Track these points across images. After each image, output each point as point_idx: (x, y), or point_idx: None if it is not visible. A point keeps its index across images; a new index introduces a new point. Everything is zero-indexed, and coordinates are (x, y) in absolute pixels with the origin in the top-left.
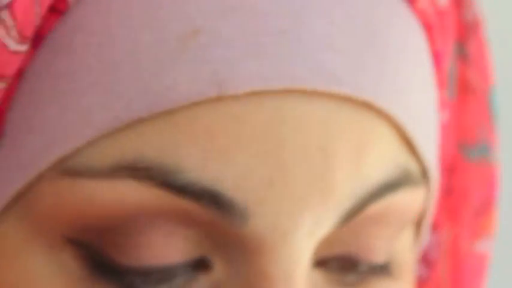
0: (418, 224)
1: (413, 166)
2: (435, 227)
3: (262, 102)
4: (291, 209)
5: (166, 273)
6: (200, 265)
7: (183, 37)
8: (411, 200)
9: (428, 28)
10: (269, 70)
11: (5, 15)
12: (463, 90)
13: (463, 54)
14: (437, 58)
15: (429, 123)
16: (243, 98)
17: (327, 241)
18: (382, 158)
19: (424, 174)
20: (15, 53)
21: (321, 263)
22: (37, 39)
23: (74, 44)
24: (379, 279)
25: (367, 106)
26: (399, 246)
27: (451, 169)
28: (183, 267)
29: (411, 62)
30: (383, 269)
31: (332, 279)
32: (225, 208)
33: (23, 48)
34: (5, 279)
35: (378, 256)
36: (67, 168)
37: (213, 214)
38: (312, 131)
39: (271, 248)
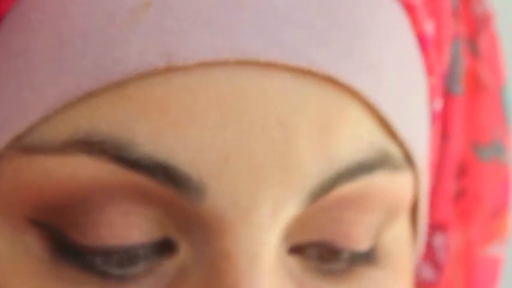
0: (413, 216)
1: (392, 149)
2: (444, 228)
3: (214, 74)
4: (250, 185)
5: (128, 254)
6: (164, 248)
7: (134, 10)
8: (393, 185)
9: (410, 9)
10: (221, 41)
11: None
12: (474, 87)
13: (473, 50)
14: (422, 41)
15: (412, 107)
16: (194, 69)
17: (301, 225)
18: (353, 136)
19: (408, 159)
20: None
21: (297, 249)
22: None
23: (30, 22)
24: (364, 268)
25: (331, 81)
26: (390, 235)
27: (463, 170)
28: (147, 250)
29: (384, 40)
30: (368, 258)
31: (310, 267)
32: (181, 183)
33: None
34: None
35: (359, 243)
36: (24, 146)
37: (169, 190)
38: (270, 104)
39: (231, 226)
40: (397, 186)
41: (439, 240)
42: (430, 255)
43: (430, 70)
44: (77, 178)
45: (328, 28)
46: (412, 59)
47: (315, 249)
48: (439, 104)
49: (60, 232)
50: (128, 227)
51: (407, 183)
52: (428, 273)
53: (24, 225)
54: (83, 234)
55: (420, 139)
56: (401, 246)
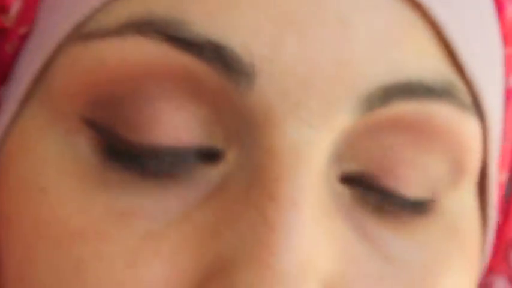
0: (481, 196)
1: (460, 85)
2: None
3: None
4: (302, 75)
5: (177, 156)
6: (210, 156)
7: None
8: (458, 126)
9: None
10: None
11: None
12: None
13: None
14: (499, 5)
15: (485, 56)
16: None
17: (351, 146)
18: (418, 53)
19: (477, 106)
20: None
21: (346, 179)
22: None
23: None
24: (417, 220)
25: None
26: (454, 201)
27: None
28: (195, 154)
29: None
30: (417, 208)
31: (358, 200)
32: (231, 65)
33: None
34: (19, 174)
35: (407, 188)
36: (81, 34)
37: (220, 76)
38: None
39: (279, 121)
40: (463, 130)
41: None
42: (505, 269)
43: (507, 39)
44: (130, 62)
45: None
46: (490, 19)
47: (362, 184)
48: None
49: (110, 130)
50: (179, 124)
51: (474, 131)
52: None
53: (77, 127)
54: (134, 131)
55: (494, 93)
56: (469, 220)
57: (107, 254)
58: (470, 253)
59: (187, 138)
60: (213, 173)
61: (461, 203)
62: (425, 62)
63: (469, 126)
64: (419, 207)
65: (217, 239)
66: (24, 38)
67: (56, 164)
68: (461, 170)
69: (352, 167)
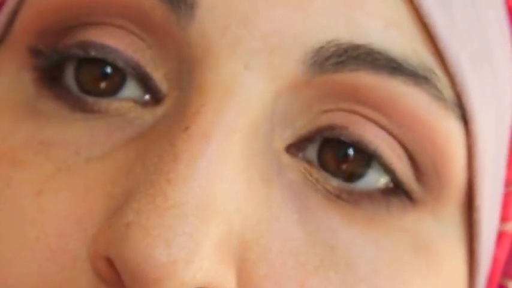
0: (468, 207)
1: (439, 74)
2: None
3: None
4: (247, 9)
5: (115, 91)
6: (152, 99)
7: None
8: (431, 115)
9: None
10: None
11: None
12: None
13: None
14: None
15: (479, 48)
16: None
17: (301, 108)
18: (387, 20)
19: (460, 106)
20: None
21: (296, 147)
22: None
23: None
24: (375, 214)
25: None
26: (431, 218)
27: None
28: (134, 95)
29: None
30: (381, 201)
31: (311, 180)
32: None
33: None
34: None
35: (372, 146)
36: None
37: (162, 4)
38: None
39: (215, 58)
40: (437, 125)
41: None
42: None
43: None
44: None
45: None
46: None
47: (315, 151)
48: None
49: (52, 48)
50: (125, 48)
51: (453, 132)
52: None
53: (26, 60)
54: (71, 38)
55: (483, 101)
56: (447, 250)
57: (17, 181)
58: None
59: (123, 46)
60: (148, 116)
61: (439, 227)
62: (394, 34)
63: (446, 124)
64: (382, 199)
65: (130, 176)
66: None
67: (1, 98)
68: (437, 178)
69: (303, 131)
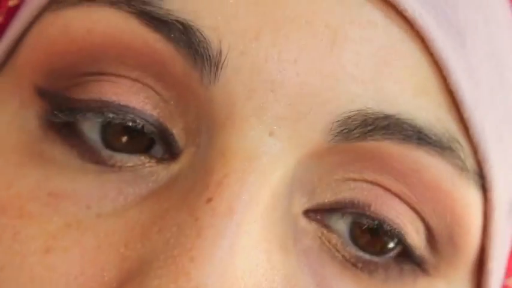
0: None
1: (464, 144)
2: None
3: None
4: (275, 75)
5: (130, 145)
6: (166, 154)
7: None
8: (453, 186)
9: None
10: None
11: None
12: None
13: None
14: None
15: (503, 118)
16: None
17: (322, 174)
18: (414, 89)
19: (481, 176)
20: None
21: (317, 212)
22: None
23: None
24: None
25: (397, 12)
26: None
27: None
28: (149, 148)
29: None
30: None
31: (330, 248)
32: (197, 47)
33: None
34: None
35: (404, 227)
36: (55, 1)
37: (184, 56)
38: (319, 3)
39: (240, 120)
40: (458, 196)
41: None
42: None
43: None
44: (95, 33)
45: None
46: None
47: (342, 221)
48: None
49: (60, 93)
50: (136, 103)
51: (473, 203)
52: None
53: (30, 98)
54: (84, 90)
55: (504, 172)
56: None
57: (24, 235)
58: None
59: (140, 104)
60: (163, 173)
61: None
62: (421, 103)
63: (467, 194)
64: (395, 267)
65: (145, 241)
66: (12, 11)
67: (1, 136)
68: (452, 247)
69: (323, 198)
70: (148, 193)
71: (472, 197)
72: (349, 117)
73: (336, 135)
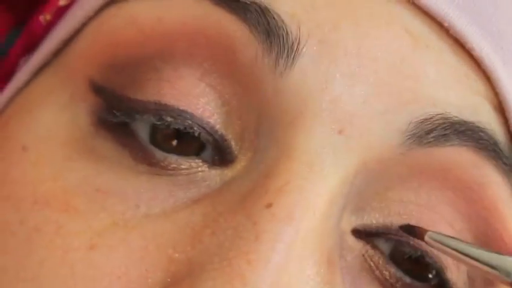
0: None
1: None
2: None
3: None
4: (353, 68)
5: (183, 147)
6: (221, 159)
7: None
8: (509, 213)
9: None
10: None
11: None
12: None
13: None
14: None
15: None
16: None
17: (377, 192)
18: (493, 105)
19: None
20: None
21: (364, 233)
22: None
23: None
24: None
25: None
26: None
27: None
28: (202, 153)
29: None
30: None
31: (367, 262)
32: (274, 31)
33: None
34: (7, 131)
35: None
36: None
37: (259, 40)
38: (398, 12)
39: (310, 119)
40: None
41: None
42: None
43: None
44: (165, 21)
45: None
46: None
47: (385, 240)
48: None
49: (118, 92)
50: (197, 99)
51: None
52: None
53: (82, 92)
54: (142, 90)
55: None
56: None
57: (68, 230)
58: None
59: (200, 110)
60: (216, 179)
61: None
62: (498, 118)
63: None
64: None
65: (196, 244)
66: (62, 10)
67: (47, 126)
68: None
69: (371, 219)
70: (199, 197)
71: None
72: (426, 119)
73: (409, 138)
